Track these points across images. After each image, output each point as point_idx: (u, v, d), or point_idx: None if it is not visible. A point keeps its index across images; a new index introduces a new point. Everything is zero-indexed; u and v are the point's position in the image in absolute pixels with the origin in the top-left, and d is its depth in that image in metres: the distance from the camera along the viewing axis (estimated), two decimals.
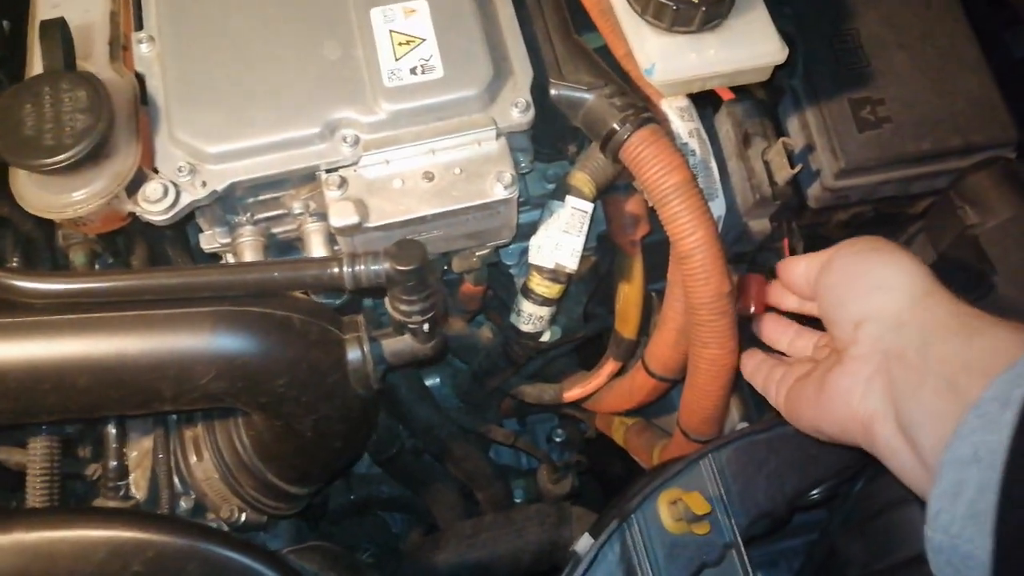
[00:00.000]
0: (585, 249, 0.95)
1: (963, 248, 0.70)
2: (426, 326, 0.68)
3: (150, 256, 0.81)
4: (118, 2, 0.75)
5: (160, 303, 0.63)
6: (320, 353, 0.67)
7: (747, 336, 1.01)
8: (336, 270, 0.62)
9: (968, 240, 0.70)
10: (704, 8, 0.63)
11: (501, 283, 0.94)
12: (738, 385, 1.02)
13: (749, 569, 0.66)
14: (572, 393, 0.98)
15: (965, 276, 0.71)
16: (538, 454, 1.09)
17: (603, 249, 0.94)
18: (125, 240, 0.80)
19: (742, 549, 0.67)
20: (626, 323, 0.92)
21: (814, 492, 0.72)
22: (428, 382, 1.12)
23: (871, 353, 0.55)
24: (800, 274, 0.64)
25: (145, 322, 0.62)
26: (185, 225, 0.81)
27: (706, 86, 0.70)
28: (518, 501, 1.16)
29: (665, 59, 0.66)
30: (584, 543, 0.65)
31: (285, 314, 0.65)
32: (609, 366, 0.96)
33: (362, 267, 0.63)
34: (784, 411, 0.66)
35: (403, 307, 0.66)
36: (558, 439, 1.25)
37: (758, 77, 0.68)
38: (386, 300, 0.67)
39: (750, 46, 0.66)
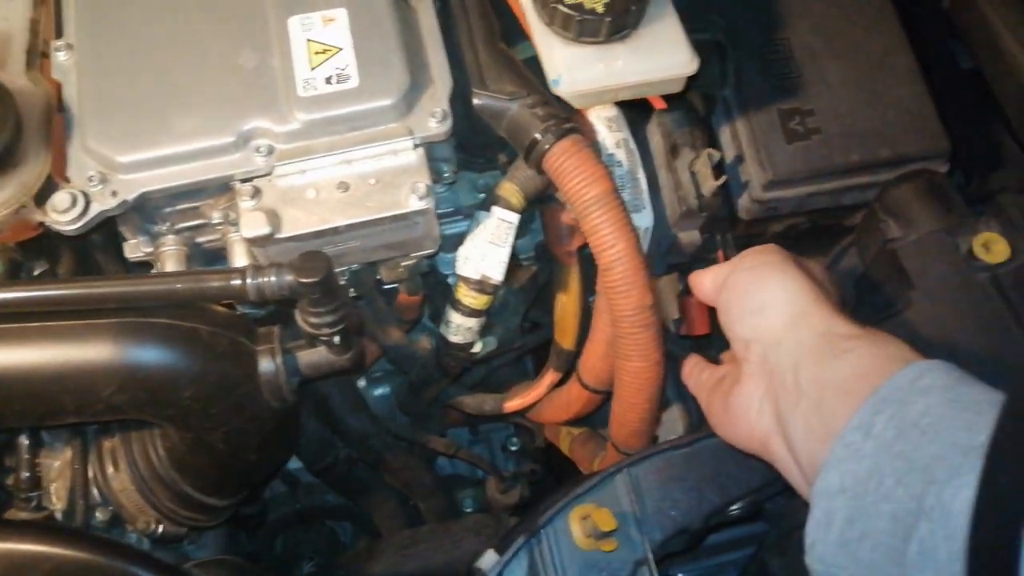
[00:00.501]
0: (525, 259, 0.95)
1: (884, 262, 0.70)
2: (337, 338, 0.67)
3: (78, 264, 0.80)
4: (39, 10, 0.75)
5: (68, 315, 0.63)
6: (229, 365, 0.66)
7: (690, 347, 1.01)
8: (239, 282, 0.62)
9: (889, 254, 0.69)
10: (610, 19, 0.62)
11: (440, 292, 0.93)
12: (682, 396, 1.02)
13: None
14: (513, 403, 0.97)
15: (886, 290, 0.70)
16: (482, 465, 1.08)
17: (543, 259, 0.93)
18: (50, 248, 0.79)
19: (653, 567, 0.66)
20: (564, 334, 0.92)
21: (733, 508, 0.71)
22: (378, 391, 1.12)
23: (760, 373, 0.56)
24: (708, 289, 0.63)
25: (45, 334, 0.62)
26: (115, 232, 0.81)
27: (617, 97, 0.69)
28: (468, 511, 1.15)
29: (571, 70, 0.66)
30: (488, 559, 0.64)
31: (192, 325, 0.65)
32: (549, 377, 0.95)
33: (266, 279, 0.62)
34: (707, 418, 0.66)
35: (312, 319, 0.66)
36: (513, 448, 1.25)
37: (670, 88, 0.68)
38: (296, 312, 0.67)
39: (659, 57, 0.65)
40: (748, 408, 0.57)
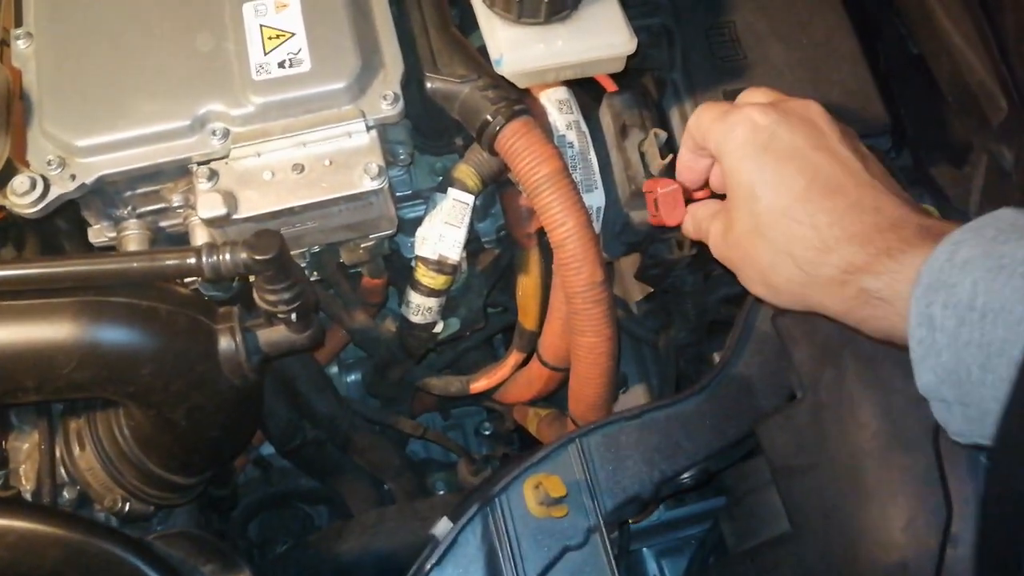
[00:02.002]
0: (487, 242, 0.97)
1: None
2: (294, 315, 0.69)
3: (43, 250, 0.82)
4: None
5: (28, 295, 0.64)
6: (188, 343, 0.68)
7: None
8: (194, 260, 0.63)
9: None
10: (548, 0, 0.64)
11: (404, 277, 0.95)
12: (645, 375, 1.05)
13: (611, 553, 0.67)
14: (478, 384, 0.99)
15: None
16: (450, 446, 1.10)
17: (505, 243, 0.95)
18: (16, 235, 0.81)
19: (604, 533, 0.68)
20: (527, 315, 0.94)
21: (684, 476, 0.73)
22: (350, 378, 1.14)
23: None
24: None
25: (5, 313, 0.63)
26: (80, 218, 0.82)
27: (559, 77, 0.71)
28: (440, 493, 1.17)
29: (512, 50, 0.68)
30: (443, 526, 0.66)
31: (150, 304, 0.66)
32: (513, 357, 0.97)
33: (221, 257, 0.64)
34: None
35: (268, 296, 0.67)
36: (486, 432, 1.27)
37: (610, 68, 0.70)
38: (254, 291, 0.69)
39: (599, 37, 0.67)
40: None
